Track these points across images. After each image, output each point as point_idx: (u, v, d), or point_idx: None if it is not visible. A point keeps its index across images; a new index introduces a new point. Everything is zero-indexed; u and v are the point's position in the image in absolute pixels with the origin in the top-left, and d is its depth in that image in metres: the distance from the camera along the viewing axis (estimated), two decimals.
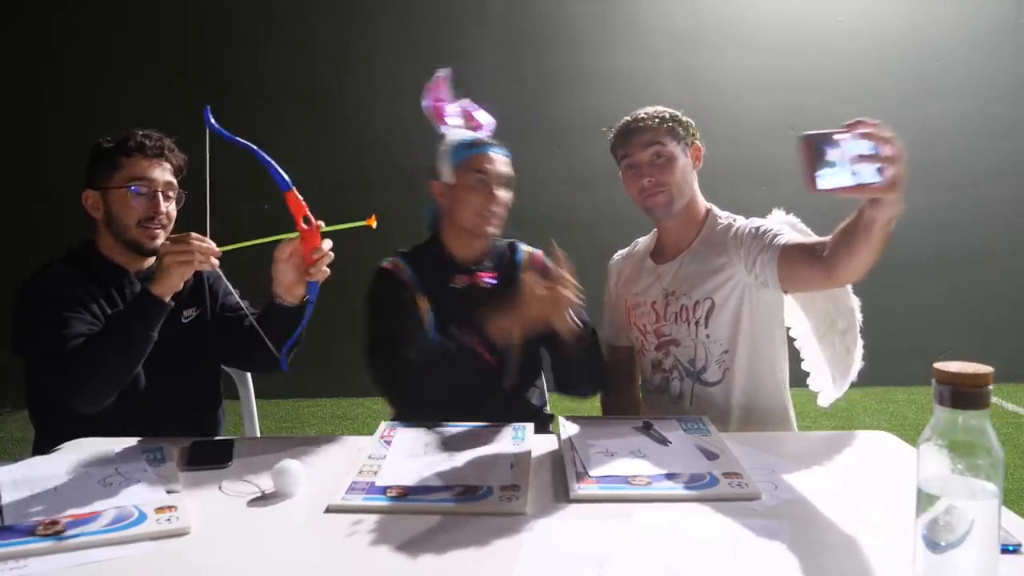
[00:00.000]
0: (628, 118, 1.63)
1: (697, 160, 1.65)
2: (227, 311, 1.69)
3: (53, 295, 1.47)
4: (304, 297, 1.44)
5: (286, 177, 1.32)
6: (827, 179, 1.05)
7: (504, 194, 1.64)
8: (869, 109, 4.34)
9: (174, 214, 1.60)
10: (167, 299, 1.41)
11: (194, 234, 1.38)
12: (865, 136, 1.05)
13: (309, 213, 1.32)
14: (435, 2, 4.47)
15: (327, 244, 1.35)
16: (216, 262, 1.38)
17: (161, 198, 1.56)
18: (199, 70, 4.27)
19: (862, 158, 1.05)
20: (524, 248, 1.77)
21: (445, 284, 1.65)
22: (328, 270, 1.38)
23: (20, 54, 4.29)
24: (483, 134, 1.68)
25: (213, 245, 1.38)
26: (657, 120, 1.59)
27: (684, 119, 1.63)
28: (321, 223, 1.33)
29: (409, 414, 1.60)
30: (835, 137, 1.05)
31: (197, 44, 4.32)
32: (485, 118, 1.71)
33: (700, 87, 4.42)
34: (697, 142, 1.65)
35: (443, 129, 1.66)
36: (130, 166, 1.54)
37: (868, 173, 1.06)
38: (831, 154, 1.04)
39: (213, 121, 1.33)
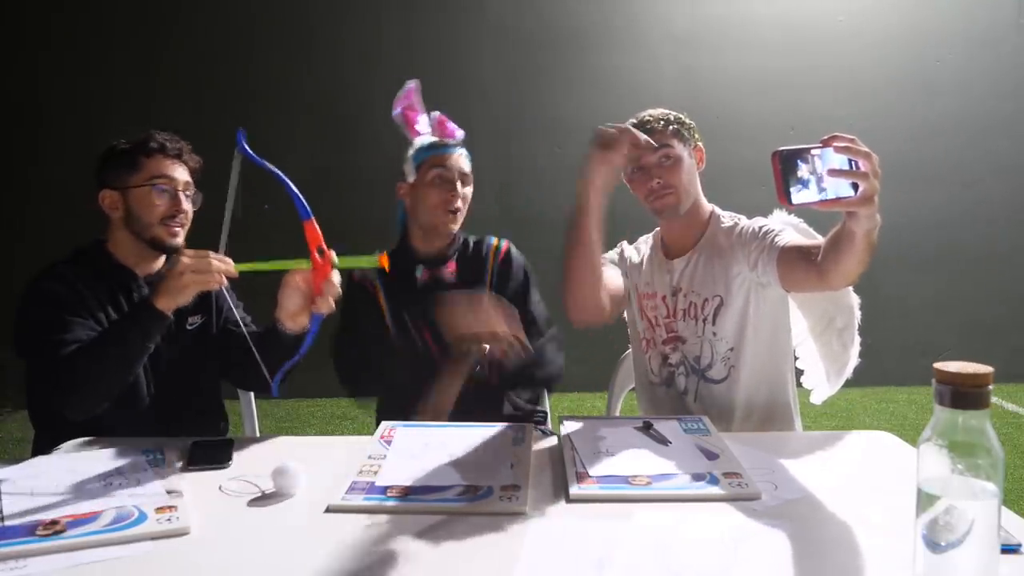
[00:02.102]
0: (635, 120, 1.63)
1: (700, 162, 1.67)
2: (230, 324, 1.68)
3: (53, 298, 1.46)
4: (306, 328, 1.42)
5: (307, 206, 1.31)
6: (800, 194, 1.05)
7: (463, 190, 1.70)
8: (869, 108, 4.38)
9: (191, 213, 1.61)
10: (169, 313, 1.39)
11: (212, 253, 1.36)
12: (842, 150, 1.06)
13: (324, 244, 1.31)
14: (435, 2, 4.47)
15: (336, 278, 1.34)
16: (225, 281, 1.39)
17: (182, 196, 1.58)
18: (198, 72, 4.27)
19: (836, 172, 1.06)
20: (492, 240, 1.81)
21: (409, 280, 1.72)
22: (334, 305, 1.36)
23: (16, 54, 4.28)
24: (453, 142, 1.72)
25: (231, 264, 1.36)
26: (664, 123, 1.60)
27: (688, 121, 1.65)
28: (333, 254, 1.32)
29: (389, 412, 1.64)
30: (811, 152, 1.06)
31: (196, 46, 4.31)
32: (456, 130, 1.73)
33: (700, 87, 4.42)
34: (699, 144, 1.67)
35: (412, 137, 1.72)
36: (151, 166, 1.55)
37: (842, 187, 1.08)
38: (803, 169, 1.05)
39: (246, 145, 1.33)
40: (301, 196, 1.31)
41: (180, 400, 1.59)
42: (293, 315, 1.39)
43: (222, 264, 1.34)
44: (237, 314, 1.64)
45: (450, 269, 1.74)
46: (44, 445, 1.45)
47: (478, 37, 4.46)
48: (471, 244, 1.80)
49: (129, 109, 4.11)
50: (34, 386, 1.52)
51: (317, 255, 1.31)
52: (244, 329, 1.56)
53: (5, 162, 4.29)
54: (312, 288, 1.35)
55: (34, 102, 4.30)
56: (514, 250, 1.81)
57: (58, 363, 1.37)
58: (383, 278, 1.73)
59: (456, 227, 1.72)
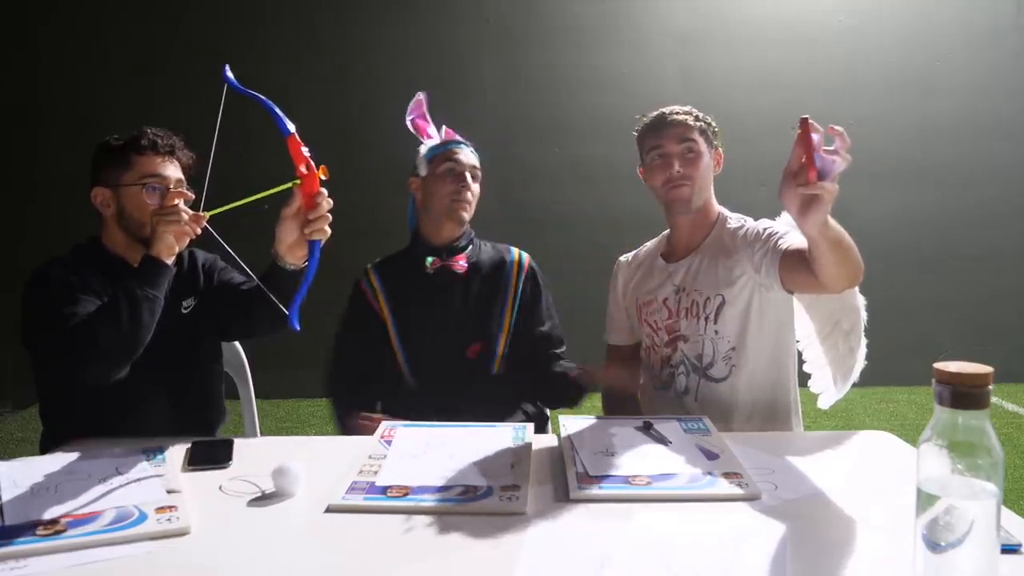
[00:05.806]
0: (665, 110, 1.67)
1: (717, 165, 1.71)
2: (223, 287, 1.69)
3: (58, 280, 1.48)
4: (305, 260, 1.42)
5: (288, 124, 1.31)
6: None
7: (473, 184, 1.77)
8: (869, 108, 4.38)
9: None
10: (165, 260, 1.42)
11: (177, 200, 1.45)
12: (836, 133, 1.12)
13: (311, 161, 1.32)
14: (435, 2, 4.47)
15: (327, 201, 1.36)
16: (199, 230, 1.42)
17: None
18: (199, 72, 4.25)
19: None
20: (514, 254, 1.86)
21: (419, 270, 1.77)
22: (329, 230, 1.37)
23: (13, 54, 4.28)
24: (463, 141, 1.82)
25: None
26: (692, 117, 1.65)
27: (714, 124, 1.69)
28: (323, 169, 1.34)
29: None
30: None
31: (197, 45, 4.30)
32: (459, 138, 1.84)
33: (701, 86, 4.42)
34: (720, 148, 1.70)
35: (424, 140, 1.82)
36: (142, 164, 1.54)
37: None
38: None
39: (230, 75, 1.35)
40: (283, 115, 1.32)
41: (182, 385, 1.62)
42: (291, 248, 1.41)
43: (188, 211, 1.43)
44: (230, 274, 1.70)
45: (460, 261, 1.78)
46: (51, 441, 1.46)
47: (478, 37, 4.45)
48: (487, 247, 1.85)
49: (130, 108, 4.10)
50: (49, 364, 1.52)
51: (303, 170, 1.31)
52: (244, 280, 1.62)
53: (7, 162, 4.29)
54: (306, 214, 1.35)
55: (35, 101, 4.31)
56: (535, 265, 1.87)
57: (72, 330, 1.38)
58: (386, 275, 1.80)
59: (468, 215, 1.78)
